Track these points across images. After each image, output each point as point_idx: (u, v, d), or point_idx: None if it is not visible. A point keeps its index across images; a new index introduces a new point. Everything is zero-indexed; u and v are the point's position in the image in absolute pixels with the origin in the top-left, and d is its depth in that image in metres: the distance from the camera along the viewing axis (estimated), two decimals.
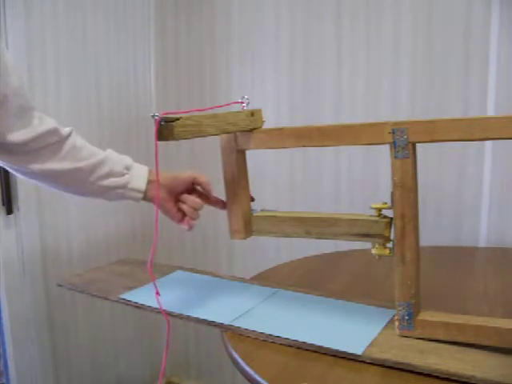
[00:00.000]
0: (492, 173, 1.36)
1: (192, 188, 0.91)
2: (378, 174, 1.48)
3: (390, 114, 1.45)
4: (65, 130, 0.86)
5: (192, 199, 0.89)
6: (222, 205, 0.92)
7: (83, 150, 0.87)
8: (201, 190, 0.92)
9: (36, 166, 0.82)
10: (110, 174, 0.86)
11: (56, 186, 0.88)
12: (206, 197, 0.92)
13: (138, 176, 0.88)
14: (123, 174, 0.87)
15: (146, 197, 0.89)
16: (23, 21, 1.40)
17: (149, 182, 0.88)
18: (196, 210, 0.89)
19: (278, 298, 0.94)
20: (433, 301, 0.79)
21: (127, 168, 0.88)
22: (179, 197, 0.89)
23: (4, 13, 1.35)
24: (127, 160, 0.90)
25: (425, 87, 1.41)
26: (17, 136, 0.79)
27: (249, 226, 0.92)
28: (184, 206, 0.89)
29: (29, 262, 1.46)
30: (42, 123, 0.83)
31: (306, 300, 0.92)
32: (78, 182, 0.86)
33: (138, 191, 0.88)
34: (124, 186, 0.87)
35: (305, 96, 1.59)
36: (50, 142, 0.83)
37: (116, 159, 0.89)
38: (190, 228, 0.89)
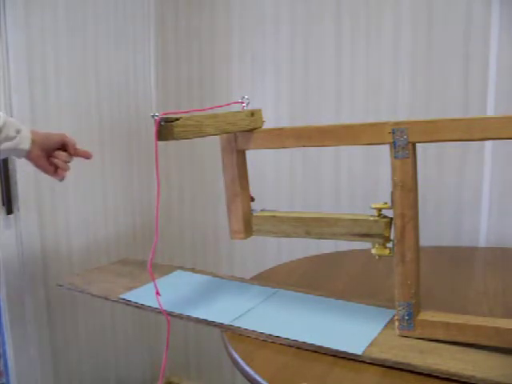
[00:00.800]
0: (492, 173, 1.36)
1: (63, 146, 1.02)
2: (378, 174, 1.48)
3: (390, 114, 1.45)
4: None
5: (63, 154, 1.01)
6: (88, 155, 1.05)
7: None
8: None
9: None
10: (5, 139, 0.95)
11: None
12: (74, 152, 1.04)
13: (25, 137, 0.98)
14: (15, 138, 0.96)
15: (27, 155, 1.00)
16: (23, 21, 1.40)
17: (32, 141, 0.98)
18: (66, 162, 1.01)
19: (278, 298, 0.94)
20: (433, 301, 0.79)
21: (17, 131, 0.96)
22: (52, 153, 1.01)
23: (4, 14, 1.35)
24: (16, 123, 0.98)
25: (425, 87, 1.41)
26: None
27: (249, 226, 0.92)
28: (56, 160, 1.00)
29: (29, 262, 1.46)
30: None
31: (306, 300, 0.93)
32: None
33: (24, 150, 0.98)
34: (14, 148, 0.97)
35: (305, 96, 1.59)
36: None
37: (10, 123, 0.97)
38: (62, 178, 1.02)
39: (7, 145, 0.96)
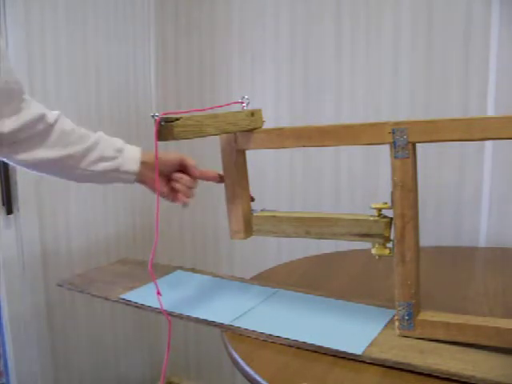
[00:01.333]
0: (492, 173, 1.36)
1: (180, 167, 0.91)
2: (378, 174, 1.48)
3: (390, 114, 1.45)
4: (52, 115, 0.83)
5: (186, 178, 0.89)
6: (218, 178, 0.92)
7: (72, 135, 0.84)
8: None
9: (24, 156, 0.80)
10: (101, 159, 0.85)
11: (47, 173, 0.86)
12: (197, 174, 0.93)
13: (130, 158, 0.87)
14: (115, 158, 0.86)
15: (139, 179, 0.89)
16: (23, 21, 1.40)
17: (142, 163, 0.87)
18: (190, 188, 0.90)
19: (278, 298, 0.94)
20: (433, 301, 0.79)
21: (118, 151, 0.86)
22: (170, 176, 0.90)
23: (4, 13, 1.35)
24: (118, 142, 0.88)
25: (425, 87, 1.41)
26: (3, 125, 0.75)
27: (249, 226, 0.92)
28: (178, 185, 0.89)
29: (29, 262, 1.46)
30: (30, 109, 0.79)
31: (306, 300, 0.92)
32: (70, 168, 0.84)
33: (131, 173, 0.87)
34: (116, 170, 0.86)
35: (305, 96, 1.59)
36: (38, 130, 0.80)
37: (107, 143, 0.87)
38: (185, 204, 0.90)
39: (104, 165, 0.85)
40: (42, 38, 1.47)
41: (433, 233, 1.42)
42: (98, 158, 0.85)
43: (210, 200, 1.80)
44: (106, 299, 0.98)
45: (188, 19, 1.78)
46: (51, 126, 0.82)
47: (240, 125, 0.86)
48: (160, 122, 0.74)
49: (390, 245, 0.80)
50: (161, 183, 0.88)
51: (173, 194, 0.90)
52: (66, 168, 0.84)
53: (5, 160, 0.83)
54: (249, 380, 0.70)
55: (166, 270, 1.12)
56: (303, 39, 1.57)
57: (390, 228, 0.79)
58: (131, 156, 0.87)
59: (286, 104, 1.63)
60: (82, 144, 0.84)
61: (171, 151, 0.91)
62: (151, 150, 0.83)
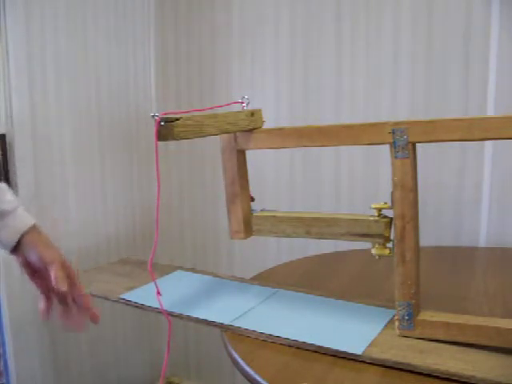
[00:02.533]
0: (492, 173, 1.36)
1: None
2: (378, 174, 1.48)
3: (390, 114, 1.45)
4: None
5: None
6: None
7: None
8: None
9: None
10: None
11: None
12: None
13: (10, 226, 0.73)
14: None
15: (14, 252, 0.75)
16: (23, 21, 1.40)
17: (23, 235, 0.73)
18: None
19: (278, 298, 0.94)
20: (433, 301, 0.79)
21: (2, 214, 0.73)
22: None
23: (4, 13, 1.35)
24: (6, 204, 0.75)
25: (425, 87, 1.41)
26: None
27: (249, 226, 0.92)
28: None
29: None
30: None
31: (306, 300, 0.92)
32: None
33: (8, 242, 0.73)
34: None
35: (305, 96, 1.59)
36: None
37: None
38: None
39: None
40: (42, 38, 1.47)
41: (433, 233, 1.42)
42: None
43: (210, 200, 1.80)
44: (106, 299, 0.98)
45: (188, 19, 1.78)
46: None
47: (240, 125, 0.86)
48: (160, 122, 0.74)
49: (390, 245, 0.80)
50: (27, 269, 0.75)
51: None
52: None
53: None
54: (249, 380, 0.70)
55: (166, 269, 1.12)
56: (303, 39, 1.57)
57: (390, 228, 0.79)
58: (13, 224, 0.73)
59: (285, 104, 1.63)
60: None
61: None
62: (40, 232, 0.75)
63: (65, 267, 0.75)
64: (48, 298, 0.74)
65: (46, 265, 0.72)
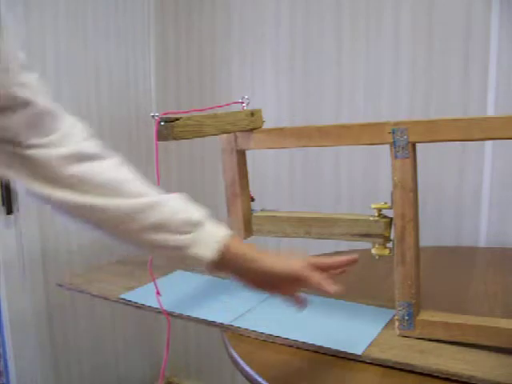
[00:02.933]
0: (492, 173, 1.36)
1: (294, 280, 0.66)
2: (378, 174, 1.48)
3: (390, 114, 1.45)
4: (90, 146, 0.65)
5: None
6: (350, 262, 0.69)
7: (126, 184, 0.63)
8: None
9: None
10: (161, 227, 0.61)
11: (83, 224, 0.65)
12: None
13: (207, 242, 0.62)
14: (184, 232, 0.62)
15: (217, 268, 0.64)
16: (23, 21, 1.40)
17: (224, 248, 0.63)
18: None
19: (278, 298, 0.94)
20: (433, 301, 0.79)
21: (193, 225, 0.62)
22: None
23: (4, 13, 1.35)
24: (196, 213, 0.64)
25: (425, 87, 1.41)
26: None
27: (249, 225, 0.92)
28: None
29: (29, 262, 1.46)
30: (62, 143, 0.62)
31: None
32: (114, 226, 0.63)
33: (201, 260, 0.62)
34: (180, 248, 0.61)
35: (305, 96, 1.59)
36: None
37: (177, 208, 0.63)
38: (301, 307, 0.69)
39: (167, 239, 0.61)
40: (42, 38, 1.47)
41: (433, 233, 1.42)
42: (157, 223, 0.61)
43: (210, 200, 1.80)
44: (106, 299, 0.98)
45: (188, 19, 1.78)
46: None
47: (240, 125, 0.86)
48: (160, 122, 0.74)
49: (390, 245, 0.80)
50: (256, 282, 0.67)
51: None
52: (110, 224, 0.63)
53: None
54: (249, 380, 0.70)
55: (166, 270, 1.12)
56: (303, 39, 1.57)
57: (390, 228, 0.79)
58: (210, 239, 0.63)
59: (286, 104, 1.63)
60: (137, 198, 0.62)
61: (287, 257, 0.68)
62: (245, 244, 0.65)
63: (313, 267, 0.65)
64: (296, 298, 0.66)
65: (288, 277, 0.64)
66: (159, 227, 0.61)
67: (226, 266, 0.64)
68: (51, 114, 0.63)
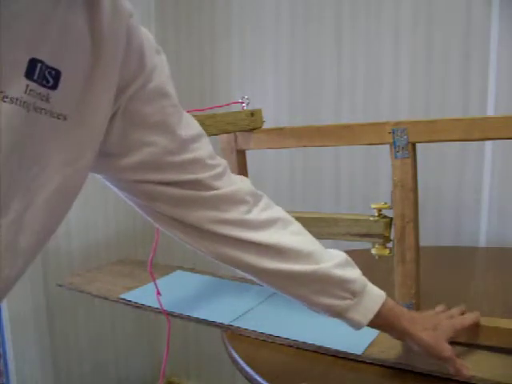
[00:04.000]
0: (492, 173, 1.36)
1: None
2: (378, 174, 1.48)
3: (390, 114, 1.45)
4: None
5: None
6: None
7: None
8: None
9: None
10: (326, 292, 0.64)
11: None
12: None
13: (366, 308, 0.65)
14: (344, 298, 0.64)
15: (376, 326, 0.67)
16: None
17: (379, 313, 0.65)
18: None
19: (278, 298, 0.93)
20: (433, 301, 0.79)
21: (353, 293, 0.64)
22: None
23: None
24: (357, 282, 0.66)
25: (425, 87, 1.41)
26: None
27: None
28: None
29: None
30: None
31: None
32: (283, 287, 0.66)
33: (358, 323, 0.65)
34: (338, 313, 0.64)
35: (305, 96, 1.59)
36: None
37: (338, 277, 0.64)
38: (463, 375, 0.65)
39: (327, 302, 0.63)
40: None
41: (433, 233, 1.42)
42: (320, 290, 0.64)
43: None
44: (106, 299, 0.98)
45: (188, 19, 1.78)
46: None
47: (240, 125, 0.86)
48: None
49: (390, 245, 0.80)
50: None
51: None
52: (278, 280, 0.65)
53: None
54: (249, 380, 0.70)
55: (166, 270, 1.12)
56: (303, 39, 1.57)
57: (390, 228, 0.79)
58: (371, 306, 0.65)
59: (286, 104, 1.63)
60: (304, 264, 0.64)
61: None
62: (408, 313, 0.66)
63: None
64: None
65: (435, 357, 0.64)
66: (324, 292, 0.64)
67: (377, 326, 0.68)
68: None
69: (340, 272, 0.65)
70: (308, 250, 0.65)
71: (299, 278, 0.63)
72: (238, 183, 0.64)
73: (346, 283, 0.64)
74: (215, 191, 0.60)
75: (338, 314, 0.64)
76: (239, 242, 0.63)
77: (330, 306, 0.64)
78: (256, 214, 0.64)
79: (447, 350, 0.63)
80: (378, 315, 0.65)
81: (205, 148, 0.61)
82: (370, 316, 0.64)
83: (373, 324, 0.65)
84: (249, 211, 0.63)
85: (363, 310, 0.64)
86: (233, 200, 0.62)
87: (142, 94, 0.55)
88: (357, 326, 0.65)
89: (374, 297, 0.66)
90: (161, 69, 0.59)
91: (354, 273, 0.67)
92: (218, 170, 0.61)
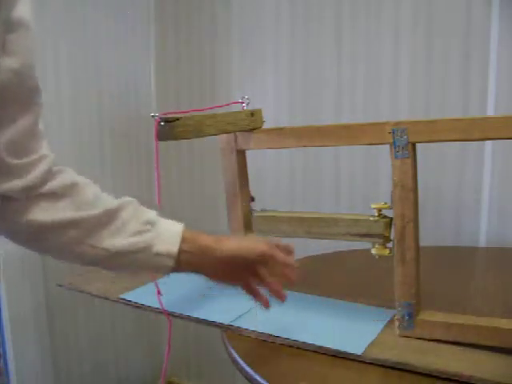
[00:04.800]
0: (492, 173, 1.36)
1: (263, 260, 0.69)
2: (378, 174, 1.48)
3: (390, 114, 1.45)
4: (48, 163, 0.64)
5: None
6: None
7: (80, 195, 0.63)
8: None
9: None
10: (120, 232, 0.61)
11: (35, 248, 0.64)
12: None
13: (166, 234, 0.63)
14: (142, 232, 0.62)
15: (177, 265, 0.64)
16: None
17: (185, 238, 0.63)
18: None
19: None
20: (433, 301, 0.79)
21: (149, 223, 0.62)
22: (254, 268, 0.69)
23: None
24: (149, 214, 0.65)
25: (425, 87, 1.41)
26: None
27: (249, 225, 0.92)
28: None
29: (29, 262, 1.46)
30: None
31: (306, 300, 0.92)
32: (70, 243, 0.61)
33: (166, 256, 0.61)
34: (143, 250, 0.61)
35: (305, 96, 1.59)
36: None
37: (131, 212, 0.63)
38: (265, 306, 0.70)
39: (124, 243, 0.60)
40: (42, 38, 1.46)
41: (433, 233, 1.42)
42: (115, 231, 0.61)
43: (209, 200, 1.80)
44: (106, 299, 0.98)
45: (188, 19, 1.78)
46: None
47: (240, 125, 0.86)
48: (160, 122, 0.74)
49: (390, 245, 0.80)
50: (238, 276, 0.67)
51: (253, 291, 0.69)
52: (65, 242, 0.61)
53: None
54: (249, 380, 0.70)
55: None
56: (303, 39, 1.57)
57: (390, 228, 0.79)
58: (168, 233, 0.63)
59: (286, 104, 1.63)
60: (92, 209, 0.62)
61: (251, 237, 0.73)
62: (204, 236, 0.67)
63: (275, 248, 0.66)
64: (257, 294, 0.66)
65: (255, 260, 0.64)
66: (119, 232, 0.61)
67: (190, 260, 0.65)
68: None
69: (131, 207, 0.63)
70: (95, 196, 0.63)
71: (91, 224, 0.60)
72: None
73: (140, 217, 0.62)
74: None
75: (143, 251, 0.60)
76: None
77: (134, 245, 0.59)
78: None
79: (263, 245, 0.63)
80: (185, 240, 0.62)
81: None
82: (178, 239, 0.61)
83: (182, 255, 0.61)
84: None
85: (168, 237, 0.61)
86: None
87: None
88: (167, 262, 0.61)
89: (171, 222, 0.64)
90: None
91: (142, 207, 0.65)
92: None
